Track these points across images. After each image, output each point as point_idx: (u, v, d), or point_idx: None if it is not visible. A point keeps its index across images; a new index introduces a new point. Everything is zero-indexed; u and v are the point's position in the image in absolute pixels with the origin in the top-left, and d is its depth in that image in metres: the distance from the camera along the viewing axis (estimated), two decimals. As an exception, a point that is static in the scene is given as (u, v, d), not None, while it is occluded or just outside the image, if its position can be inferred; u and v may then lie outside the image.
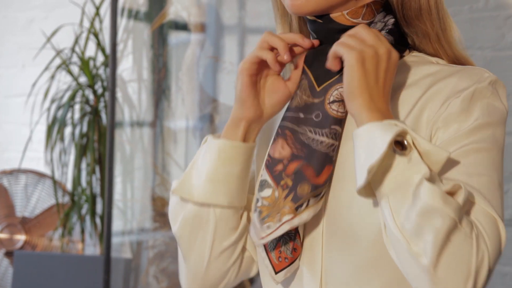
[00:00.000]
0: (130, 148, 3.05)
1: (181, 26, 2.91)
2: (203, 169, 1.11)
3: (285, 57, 1.05)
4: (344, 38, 1.02)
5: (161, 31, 2.95)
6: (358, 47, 0.99)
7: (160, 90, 2.95)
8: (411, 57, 1.11)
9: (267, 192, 1.07)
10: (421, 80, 1.07)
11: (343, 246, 1.04)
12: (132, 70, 3.05)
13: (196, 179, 1.12)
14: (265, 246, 1.07)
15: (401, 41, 1.10)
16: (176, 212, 1.14)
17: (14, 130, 3.49)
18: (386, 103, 0.99)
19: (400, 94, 1.07)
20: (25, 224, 3.11)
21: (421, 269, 0.91)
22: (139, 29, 3.03)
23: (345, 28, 1.08)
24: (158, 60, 2.96)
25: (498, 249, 0.94)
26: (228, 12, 2.83)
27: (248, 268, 1.18)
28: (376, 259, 1.02)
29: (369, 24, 1.08)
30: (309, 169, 1.04)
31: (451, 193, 0.94)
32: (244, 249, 1.16)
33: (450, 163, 0.99)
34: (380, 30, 1.08)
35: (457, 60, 1.11)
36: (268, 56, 1.06)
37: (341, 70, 1.04)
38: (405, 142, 0.94)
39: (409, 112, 1.05)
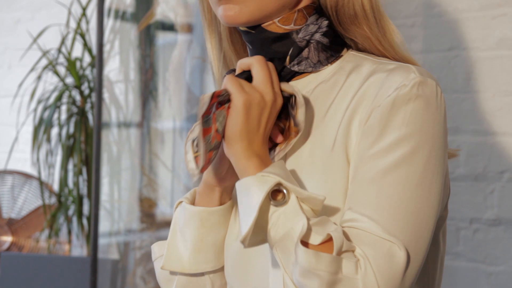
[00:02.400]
0: (117, 149, 3.05)
1: (168, 27, 2.91)
2: (189, 239, 1.12)
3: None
4: (235, 77, 1.02)
5: (148, 31, 2.94)
6: (248, 90, 1.00)
7: (147, 91, 2.95)
8: (350, 56, 1.10)
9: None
10: (355, 81, 1.05)
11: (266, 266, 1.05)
12: (119, 70, 3.05)
13: (183, 250, 1.13)
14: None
15: (337, 41, 1.09)
16: (165, 280, 1.16)
17: (0, 131, 3.48)
18: (264, 147, 1.00)
19: (335, 100, 1.05)
20: (12, 225, 3.10)
21: None
22: (126, 30, 3.03)
23: (278, 36, 1.07)
24: (145, 60, 2.96)
25: (393, 276, 0.93)
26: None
27: None
28: None
29: (301, 28, 1.07)
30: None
31: (328, 241, 0.94)
32: None
33: (358, 191, 0.98)
34: (314, 33, 1.07)
35: (401, 60, 1.08)
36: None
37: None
38: (283, 190, 0.95)
39: (342, 118, 1.04)
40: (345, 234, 0.95)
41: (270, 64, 1.04)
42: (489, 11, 2.02)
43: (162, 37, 2.95)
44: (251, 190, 0.95)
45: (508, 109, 1.99)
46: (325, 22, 1.07)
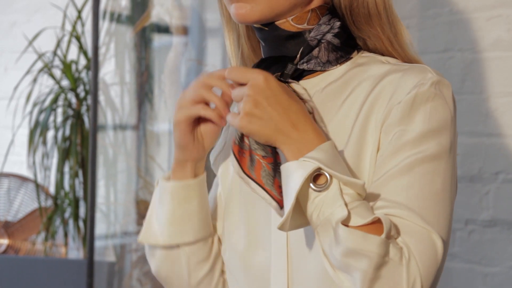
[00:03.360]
0: (113, 151, 3.05)
1: (164, 29, 2.92)
2: (161, 213, 1.14)
3: (227, 118, 1.05)
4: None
5: (144, 34, 2.95)
6: (240, 110, 1.00)
7: (142, 93, 2.95)
8: (360, 58, 1.11)
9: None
10: (368, 82, 1.07)
11: (308, 257, 1.06)
12: (115, 73, 3.05)
13: (157, 224, 1.15)
14: (260, 184, 1.04)
15: (348, 43, 1.10)
16: (149, 256, 1.19)
17: (-4, 134, 3.48)
18: (296, 128, 1.00)
19: (348, 99, 1.07)
20: (8, 228, 3.10)
21: None
22: (122, 32, 3.03)
23: (291, 35, 1.08)
24: (141, 63, 2.96)
25: (433, 264, 0.96)
26: (210, 15, 2.83)
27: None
28: None
29: (313, 28, 1.09)
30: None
31: (377, 222, 0.95)
32: (222, 272, 1.20)
33: (389, 180, 0.99)
34: (326, 33, 1.08)
35: (409, 61, 1.10)
36: (212, 115, 1.07)
37: None
38: (327, 175, 0.96)
39: (357, 116, 1.05)
40: None
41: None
42: (483, 12, 2.03)
43: (158, 40, 2.96)
44: (292, 175, 0.97)
45: (503, 110, 2.00)
46: (338, 23, 1.09)
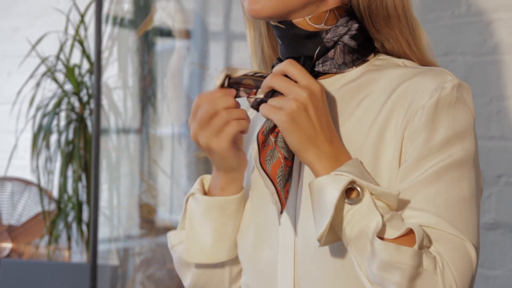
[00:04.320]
0: (116, 155, 3.06)
1: (166, 33, 2.92)
2: (209, 229, 1.13)
3: (261, 109, 1.05)
4: (269, 100, 1.02)
5: (146, 38, 2.95)
6: (283, 105, 1.00)
7: (145, 97, 2.96)
8: (376, 60, 1.11)
9: None
10: (386, 85, 1.07)
11: (314, 257, 1.06)
12: (118, 77, 3.05)
13: (205, 240, 1.14)
14: (273, 181, 1.04)
15: (365, 46, 1.10)
16: (184, 269, 1.19)
17: (-1, 138, 3.49)
18: (333, 144, 1.01)
19: (364, 100, 1.07)
20: (12, 232, 3.10)
21: None
22: (124, 36, 3.04)
23: (308, 34, 1.08)
24: (143, 67, 2.97)
25: (468, 272, 0.96)
26: (213, 19, 2.83)
27: None
28: (346, 268, 1.04)
29: (330, 29, 1.08)
30: None
31: (410, 233, 0.95)
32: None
33: (417, 189, 0.99)
34: (343, 35, 1.08)
35: (426, 64, 1.10)
36: (247, 126, 1.07)
37: None
38: (358, 189, 0.96)
39: (375, 119, 1.05)
40: None
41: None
42: (485, 16, 2.03)
43: (160, 43, 2.96)
44: (325, 189, 0.96)
45: (505, 114, 2.00)
46: (355, 25, 1.08)
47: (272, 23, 1.10)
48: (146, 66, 2.96)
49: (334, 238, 0.99)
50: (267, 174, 1.02)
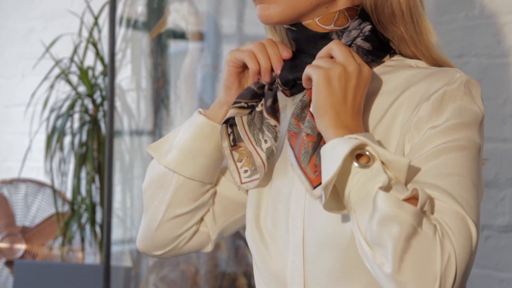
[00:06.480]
0: (130, 157, 3.07)
1: (180, 35, 2.93)
2: (180, 140, 1.17)
3: (265, 78, 1.10)
4: (316, 59, 1.04)
5: (160, 40, 2.96)
6: (326, 66, 1.00)
7: (158, 99, 2.96)
8: (390, 61, 1.11)
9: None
10: (395, 86, 1.07)
11: (321, 251, 1.06)
12: (131, 79, 3.06)
13: (170, 146, 1.18)
14: (298, 161, 1.03)
15: (379, 47, 1.10)
16: (149, 169, 1.21)
17: (13, 139, 3.50)
18: (355, 119, 1.00)
19: (374, 101, 1.07)
20: (25, 233, 3.12)
21: (386, 277, 0.92)
22: (138, 39, 3.05)
23: (320, 35, 1.09)
24: (157, 69, 2.98)
25: (467, 247, 0.93)
26: (226, 21, 2.84)
27: (201, 242, 1.22)
28: (353, 261, 1.03)
29: (342, 31, 1.09)
30: None
31: (412, 199, 0.93)
32: (199, 222, 1.21)
33: (420, 166, 0.99)
34: (356, 38, 1.08)
35: (436, 62, 1.10)
36: (252, 68, 1.10)
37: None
38: (367, 153, 0.96)
39: (381, 118, 1.05)
40: None
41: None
42: (499, 18, 2.02)
43: (174, 46, 2.97)
44: (336, 147, 0.96)
45: (519, 116, 1.99)
46: (368, 27, 1.09)
47: (285, 26, 1.12)
48: (160, 68, 2.97)
49: (338, 206, 0.98)
50: (295, 156, 1.02)
